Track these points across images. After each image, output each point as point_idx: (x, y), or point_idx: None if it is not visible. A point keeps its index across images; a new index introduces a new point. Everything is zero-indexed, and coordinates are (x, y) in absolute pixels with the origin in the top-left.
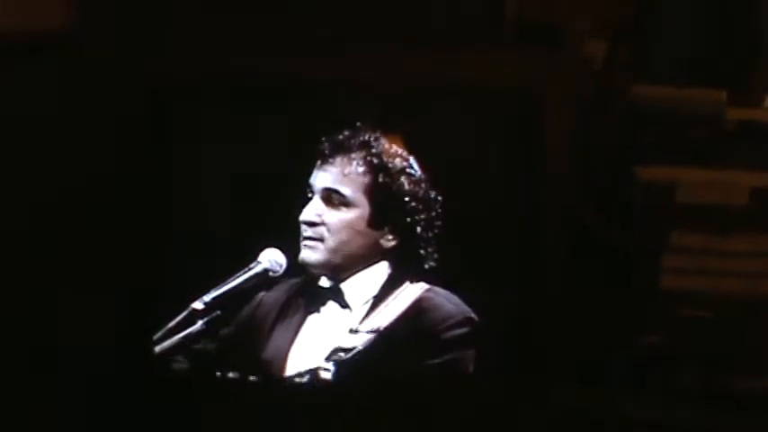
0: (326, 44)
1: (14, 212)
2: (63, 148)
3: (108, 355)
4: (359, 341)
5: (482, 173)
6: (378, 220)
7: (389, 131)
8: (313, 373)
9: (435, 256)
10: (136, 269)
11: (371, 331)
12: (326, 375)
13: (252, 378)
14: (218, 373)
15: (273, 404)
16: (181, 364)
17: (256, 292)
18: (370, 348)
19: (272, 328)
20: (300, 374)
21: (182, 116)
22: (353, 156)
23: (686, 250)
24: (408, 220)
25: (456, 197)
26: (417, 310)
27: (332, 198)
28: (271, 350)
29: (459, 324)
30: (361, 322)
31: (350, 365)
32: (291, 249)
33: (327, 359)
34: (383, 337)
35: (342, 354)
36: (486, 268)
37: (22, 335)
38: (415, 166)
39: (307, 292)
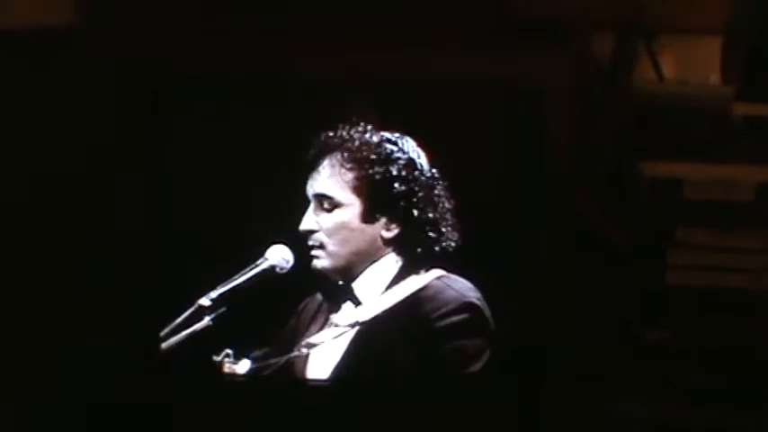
0: (328, 42)
1: (14, 212)
2: (63, 147)
3: (113, 352)
4: (335, 334)
5: (486, 168)
6: (372, 212)
7: (392, 128)
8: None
9: (447, 235)
10: (140, 266)
11: (351, 324)
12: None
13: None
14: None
15: (271, 403)
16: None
17: (262, 289)
18: (357, 341)
19: (306, 331)
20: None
21: (182, 115)
22: (334, 156)
23: (692, 246)
24: (403, 204)
25: (457, 192)
26: (416, 299)
27: (323, 203)
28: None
29: (455, 311)
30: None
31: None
32: (298, 246)
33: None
34: (368, 329)
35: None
36: (484, 265)
37: (23, 331)
38: (406, 146)
39: (328, 293)
